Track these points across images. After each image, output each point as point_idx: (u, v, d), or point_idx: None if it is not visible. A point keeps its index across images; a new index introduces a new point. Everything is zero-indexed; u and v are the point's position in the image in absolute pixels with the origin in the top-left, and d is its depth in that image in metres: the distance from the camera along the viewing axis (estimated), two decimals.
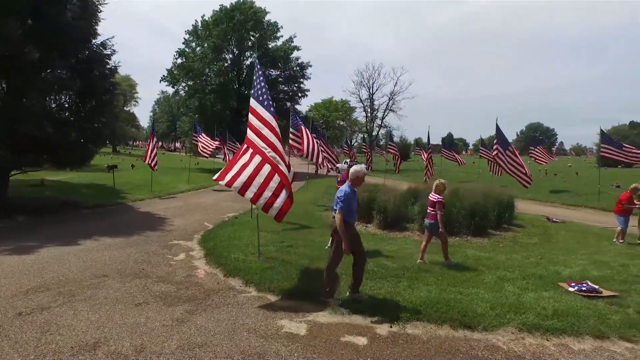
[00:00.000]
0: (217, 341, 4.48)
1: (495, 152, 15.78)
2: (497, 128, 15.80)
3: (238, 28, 36.87)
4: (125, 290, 5.99)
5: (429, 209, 7.38)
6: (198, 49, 39.06)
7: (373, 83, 52.41)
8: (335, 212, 5.34)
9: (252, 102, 7.12)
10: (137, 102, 71.75)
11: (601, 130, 18.99)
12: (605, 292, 5.86)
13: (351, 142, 76.41)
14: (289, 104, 40.83)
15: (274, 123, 6.85)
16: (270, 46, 39.14)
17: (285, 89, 41.16)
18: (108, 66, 13.78)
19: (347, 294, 5.64)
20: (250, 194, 6.33)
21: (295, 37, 39.98)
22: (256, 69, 7.20)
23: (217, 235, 9.70)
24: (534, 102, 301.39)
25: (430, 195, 7.37)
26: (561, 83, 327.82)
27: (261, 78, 7.15)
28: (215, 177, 6.65)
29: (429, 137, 20.28)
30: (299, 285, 6.08)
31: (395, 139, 76.73)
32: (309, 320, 5.07)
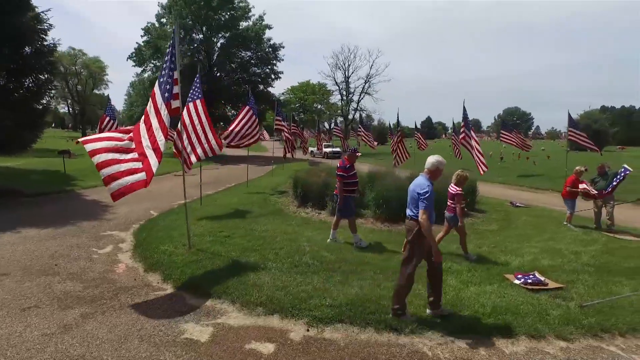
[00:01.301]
0: (98, 353, 3.82)
1: (462, 135, 15.35)
2: (464, 111, 15.33)
3: (208, 6, 35.20)
4: (19, 292, 5.25)
5: (449, 202, 6.84)
6: (167, 26, 37.24)
7: (349, 65, 51.30)
8: (407, 211, 4.52)
9: (155, 86, 6.31)
10: (107, 84, 68.92)
11: (569, 114, 18.76)
12: (551, 284, 5.42)
13: (330, 126, 75.62)
14: (261, 86, 39.68)
15: (163, 109, 6.03)
16: (241, 26, 37.63)
17: (258, 71, 39.86)
18: (45, 43, 12.59)
19: (427, 311, 4.58)
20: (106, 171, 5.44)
21: (264, 14, 38.54)
22: (171, 42, 6.31)
23: (155, 224, 8.97)
24: (512, 87, 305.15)
25: (450, 187, 6.83)
26: (539, 68, 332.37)
27: (169, 57, 6.25)
28: (80, 139, 5.87)
29: (398, 120, 19.75)
30: (220, 282, 5.44)
31: (374, 123, 76.30)
32: (218, 323, 4.45)
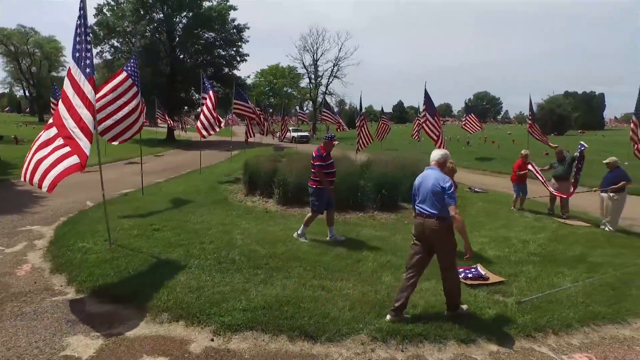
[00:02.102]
0: None
1: (424, 119, 14.98)
2: (426, 93, 14.91)
3: None
4: None
5: None
6: (124, 4, 35.03)
7: (317, 48, 50.05)
8: (421, 209, 4.07)
9: (70, 62, 5.50)
10: (64, 66, 64.89)
11: (530, 102, 18.84)
12: (493, 278, 5.08)
13: (304, 109, 74.42)
14: (226, 69, 38.22)
15: (86, 85, 5.27)
16: (204, 6, 35.87)
17: (223, 53, 38.30)
18: None
19: (445, 312, 4.17)
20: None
21: None
22: (79, 14, 5.46)
23: (84, 217, 8.17)
24: (484, 73, 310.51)
25: None
26: (511, 56, 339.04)
27: (83, 29, 5.44)
28: None
29: (361, 103, 19.19)
30: (130, 284, 4.81)
31: (346, 107, 75.60)
32: (112, 334, 3.85)
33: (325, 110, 22.77)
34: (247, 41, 37.95)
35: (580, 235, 7.35)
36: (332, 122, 23.07)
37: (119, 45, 36.75)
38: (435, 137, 14.86)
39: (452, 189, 3.92)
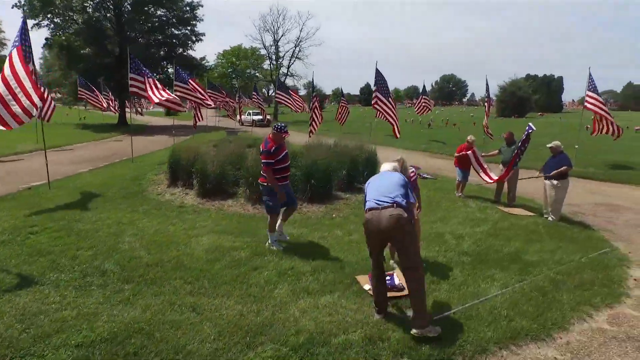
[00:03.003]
0: None
1: (374, 100, 14.18)
2: (377, 72, 14.08)
3: None
4: None
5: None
6: None
7: (278, 28, 48.12)
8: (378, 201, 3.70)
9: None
10: (3, 43, 59.63)
11: (486, 84, 18.49)
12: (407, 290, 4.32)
13: (269, 92, 72.39)
14: (181, 49, 36.00)
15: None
16: None
17: (177, 32, 35.97)
18: None
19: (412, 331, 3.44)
20: None
21: None
22: None
23: None
24: (451, 55, 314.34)
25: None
26: (478, 39, 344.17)
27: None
28: None
29: (313, 84, 18.11)
30: None
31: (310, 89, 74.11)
32: None
33: (279, 92, 21.52)
34: (202, 20, 35.75)
35: (521, 228, 6.77)
36: (287, 104, 21.91)
37: (59, 22, 33.71)
38: (391, 119, 14.16)
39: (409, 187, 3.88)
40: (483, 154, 9.11)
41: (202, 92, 15.76)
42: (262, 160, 5.32)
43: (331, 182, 8.33)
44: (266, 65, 57.34)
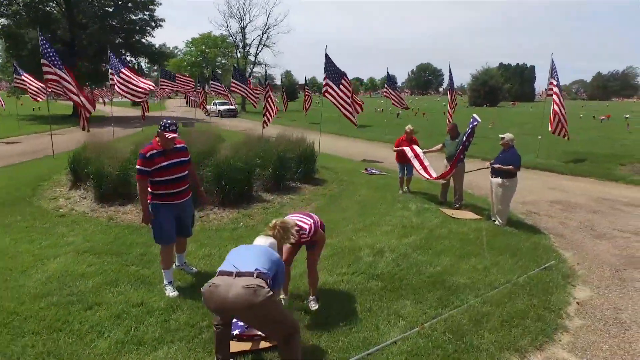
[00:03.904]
0: None
1: (325, 89, 13.05)
2: (327, 59, 12.91)
3: None
4: None
5: None
6: None
7: (244, 14, 46.07)
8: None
9: None
10: None
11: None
12: (264, 343, 3.21)
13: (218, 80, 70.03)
14: (138, 36, 33.89)
15: None
16: None
17: (134, 17, 33.76)
18: None
19: None
20: None
21: None
22: None
23: None
24: (427, 45, 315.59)
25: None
26: (454, 28, 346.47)
27: None
28: None
29: (266, 73, 16.91)
30: None
31: (284, 80, 72.13)
32: None
33: (234, 81, 20.07)
34: (160, 4, 33.67)
35: (459, 237, 5.79)
36: (243, 94, 20.54)
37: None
38: (343, 108, 13.06)
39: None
40: (425, 151, 8.15)
41: (137, 81, 14.23)
42: (137, 167, 3.89)
43: (251, 183, 7.19)
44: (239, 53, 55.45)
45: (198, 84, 28.12)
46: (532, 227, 6.62)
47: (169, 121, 3.90)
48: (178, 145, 4.02)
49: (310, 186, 8.66)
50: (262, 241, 3.09)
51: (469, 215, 6.97)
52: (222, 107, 35.35)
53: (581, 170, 11.61)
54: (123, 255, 4.78)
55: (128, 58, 34.30)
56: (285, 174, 8.01)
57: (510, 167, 6.20)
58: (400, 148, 8.28)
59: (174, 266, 4.24)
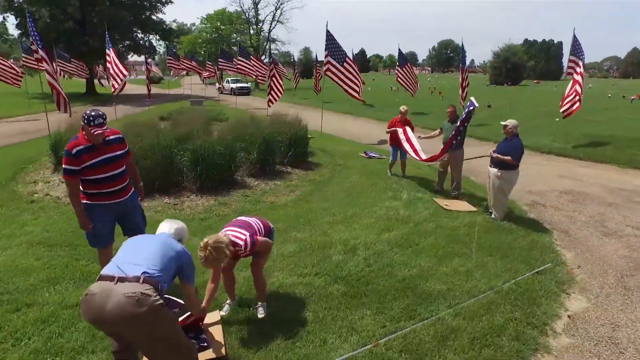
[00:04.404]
0: None
1: (326, 67, 12.37)
2: (328, 35, 12.19)
3: None
4: None
5: None
6: None
7: None
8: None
9: None
10: None
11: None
12: (216, 350, 2.86)
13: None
14: (148, 12, 33.35)
15: None
16: None
17: None
18: None
19: None
20: None
21: None
22: None
23: None
24: (449, 21, 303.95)
25: None
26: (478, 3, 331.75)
27: None
28: None
29: (270, 49, 16.21)
30: None
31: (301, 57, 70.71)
32: None
33: (239, 58, 19.48)
34: None
35: (447, 233, 5.27)
36: (250, 73, 19.96)
37: None
38: (347, 86, 12.43)
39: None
40: (423, 136, 7.55)
41: (119, 64, 13.80)
42: (62, 166, 3.36)
43: (232, 168, 6.79)
44: (252, 30, 54.35)
45: (208, 62, 27.47)
46: (533, 221, 6.03)
47: (93, 113, 3.25)
48: (112, 137, 3.46)
49: (300, 171, 8.21)
50: (166, 227, 2.68)
51: (464, 206, 6.41)
52: (234, 85, 34.94)
53: (601, 156, 10.71)
54: (78, 248, 4.49)
55: (139, 35, 33.98)
56: (272, 158, 7.56)
57: (508, 157, 5.56)
58: (393, 129, 7.75)
59: None
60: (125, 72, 13.62)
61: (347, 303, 3.57)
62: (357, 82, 12.47)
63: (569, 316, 3.67)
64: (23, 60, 22.00)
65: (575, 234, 5.66)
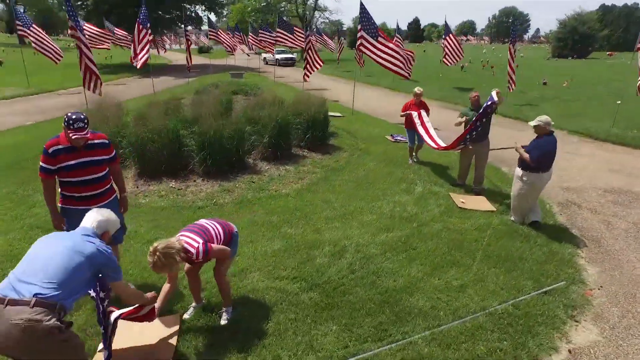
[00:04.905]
0: None
1: (359, 42, 11.68)
2: (362, 8, 11.41)
3: None
4: None
5: None
6: None
7: None
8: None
9: None
10: None
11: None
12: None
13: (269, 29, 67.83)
14: None
15: None
16: None
17: None
18: None
19: None
20: None
21: None
22: None
23: None
24: None
25: None
26: None
27: None
28: None
29: (305, 20, 15.55)
30: None
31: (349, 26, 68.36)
32: None
33: (279, 30, 19.07)
34: None
35: (454, 235, 4.81)
36: (288, 43, 19.55)
37: None
38: (385, 62, 11.67)
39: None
40: (456, 123, 6.91)
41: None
42: (40, 165, 3.24)
43: (240, 153, 6.64)
44: None
45: (251, 34, 27.28)
46: (560, 226, 5.37)
47: (74, 116, 3.07)
48: (96, 141, 3.29)
49: (317, 155, 7.92)
50: (89, 220, 2.50)
51: (482, 204, 5.84)
52: (279, 56, 34.67)
53: None
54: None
55: (187, 6, 34.35)
56: (285, 142, 7.31)
57: (526, 155, 4.89)
58: (407, 112, 7.23)
59: None
60: (145, 46, 13.87)
61: (315, 315, 3.35)
62: (399, 57, 11.53)
63: (569, 351, 3.20)
64: (17, 29, 19.70)
65: (608, 245, 4.97)
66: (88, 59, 9.84)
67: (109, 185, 3.46)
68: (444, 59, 18.45)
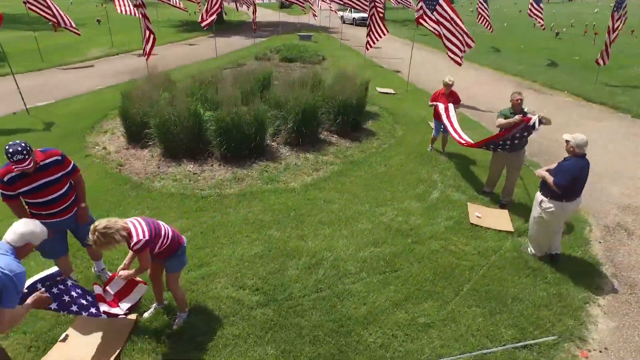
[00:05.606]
0: None
1: (418, 13, 10.60)
2: None
3: None
4: None
5: None
6: None
7: None
8: None
9: None
10: None
11: None
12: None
13: None
14: None
15: None
16: None
17: None
18: None
19: None
20: None
21: None
22: None
23: None
24: None
25: None
26: None
27: None
28: None
29: None
30: None
31: None
32: None
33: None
34: None
35: (447, 260, 4.40)
36: (355, 6, 18.51)
37: None
38: (445, 39, 10.56)
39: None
40: (501, 124, 6.11)
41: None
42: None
43: (257, 139, 6.64)
44: None
45: None
46: (590, 259, 4.62)
47: (10, 149, 3.00)
48: (47, 161, 3.27)
49: (346, 142, 7.65)
50: (9, 234, 2.49)
51: (500, 222, 5.22)
52: (356, 15, 33.41)
53: None
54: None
55: None
56: (310, 127, 7.15)
57: (550, 179, 4.18)
58: (435, 103, 6.62)
59: (73, 274, 3.90)
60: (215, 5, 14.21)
61: (259, 335, 3.38)
62: (458, 36, 10.13)
63: None
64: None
65: (629, 274, 4.22)
66: (148, 29, 10.40)
67: (74, 197, 3.55)
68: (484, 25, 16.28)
